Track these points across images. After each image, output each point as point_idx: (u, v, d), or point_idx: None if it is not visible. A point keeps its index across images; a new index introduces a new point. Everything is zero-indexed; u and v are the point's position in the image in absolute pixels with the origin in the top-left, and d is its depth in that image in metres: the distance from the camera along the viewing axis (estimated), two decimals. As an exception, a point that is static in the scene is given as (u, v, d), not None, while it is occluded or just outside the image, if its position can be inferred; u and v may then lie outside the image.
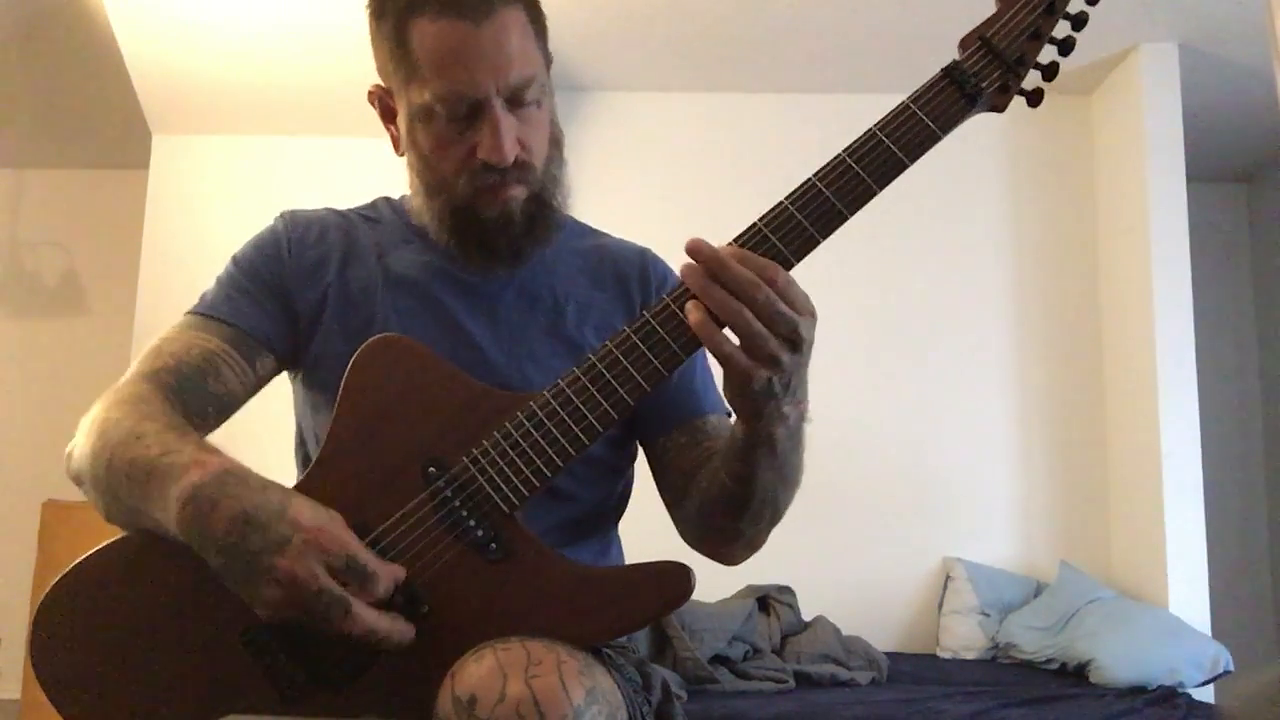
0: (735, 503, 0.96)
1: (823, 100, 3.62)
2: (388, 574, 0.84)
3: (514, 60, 0.98)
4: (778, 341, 0.82)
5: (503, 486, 0.89)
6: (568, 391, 0.89)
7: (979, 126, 3.59)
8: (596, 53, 3.53)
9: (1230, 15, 3.20)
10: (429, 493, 0.90)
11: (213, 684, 0.89)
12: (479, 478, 0.89)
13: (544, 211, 1.05)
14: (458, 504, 0.89)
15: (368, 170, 3.85)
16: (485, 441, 0.90)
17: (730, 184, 3.58)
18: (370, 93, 1.09)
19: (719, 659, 2.73)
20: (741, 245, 0.87)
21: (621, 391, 0.88)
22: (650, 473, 1.12)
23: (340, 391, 0.95)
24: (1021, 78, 0.93)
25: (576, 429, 0.89)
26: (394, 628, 0.84)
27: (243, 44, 3.46)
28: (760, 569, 3.31)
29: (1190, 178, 3.42)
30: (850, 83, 3.58)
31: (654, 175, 3.67)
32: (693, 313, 0.83)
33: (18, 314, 4.63)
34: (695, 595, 2.85)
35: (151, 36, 3.42)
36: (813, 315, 0.84)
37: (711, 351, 0.83)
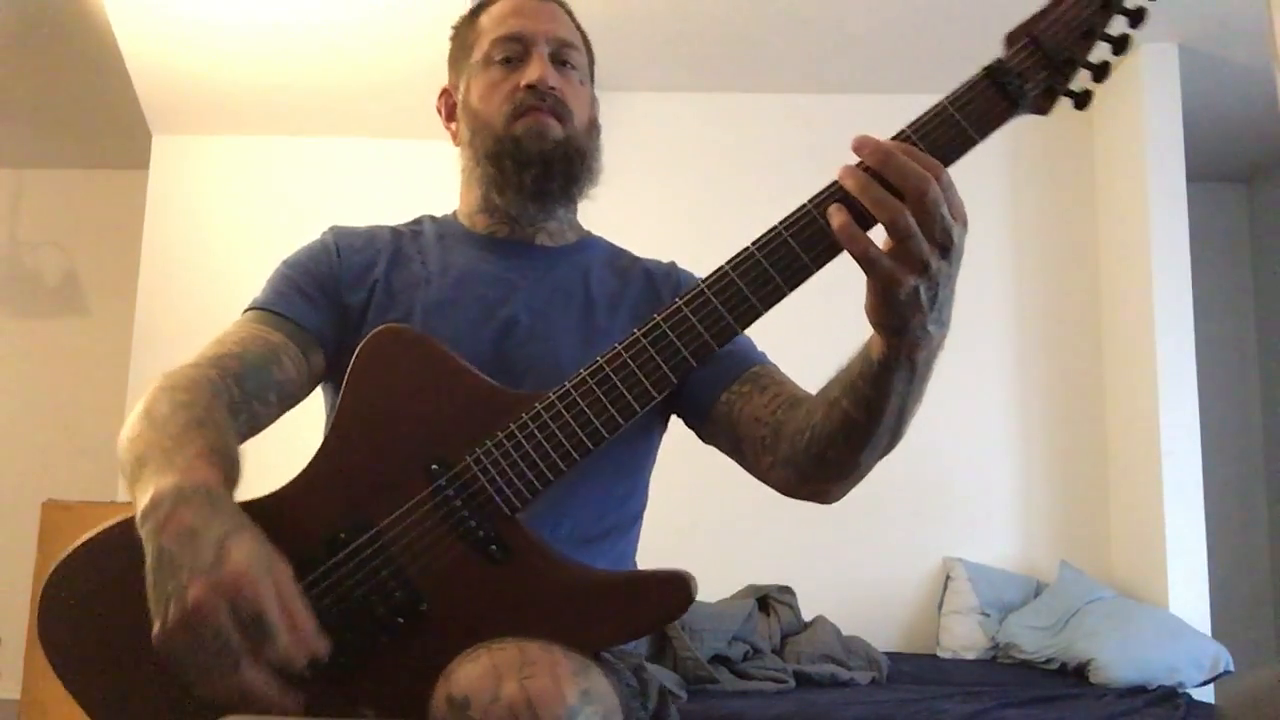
0: (858, 433, 0.91)
1: (823, 100, 3.61)
2: (293, 643, 0.77)
3: (561, 26, 1.17)
4: (930, 245, 0.78)
5: (505, 488, 0.88)
6: (574, 394, 0.89)
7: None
8: (597, 53, 3.52)
9: (1230, 15, 3.20)
10: (430, 491, 0.89)
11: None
12: (481, 478, 0.89)
13: (578, 157, 1.14)
14: (459, 504, 0.88)
15: (368, 170, 3.87)
16: (489, 441, 0.89)
17: (731, 184, 3.58)
18: (440, 95, 1.25)
19: (719, 659, 2.73)
20: (768, 243, 0.86)
21: (629, 396, 0.88)
22: (712, 443, 1.10)
23: (345, 382, 0.95)
24: (1069, 79, 0.86)
25: (582, 433, 0.88)
26: (278, 698, 0.77)
27: (243, 44, 3.46)
28: (760, 569, 3.31)
29: (1190, 178, 3.42)
30: (850, 83, 3.58)
31: (655, 175, 3.67)
32: (836, 215, 0.80)
33: (18, 314, 4.63)
34: (695, 595, 2.80)
35: (151, 36, 3.42)
36: (965, 223, 0.80)
37: (857, 255, 0.79)
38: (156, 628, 0.78)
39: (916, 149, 0.81)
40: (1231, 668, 2.84)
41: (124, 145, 4.23)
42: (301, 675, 0.79)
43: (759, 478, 1.06)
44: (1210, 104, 3.61)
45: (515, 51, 1.14)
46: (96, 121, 4.21)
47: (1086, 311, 3.69)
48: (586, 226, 1.26)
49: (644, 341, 0.88)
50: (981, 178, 3.72)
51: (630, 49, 3.53)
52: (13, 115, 4.21)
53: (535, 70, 1.11)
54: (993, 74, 0.85)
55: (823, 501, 1.03)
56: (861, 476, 0.99)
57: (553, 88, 1.12)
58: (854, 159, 0.82)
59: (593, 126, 1.19)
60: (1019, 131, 3.71)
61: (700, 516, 3.43)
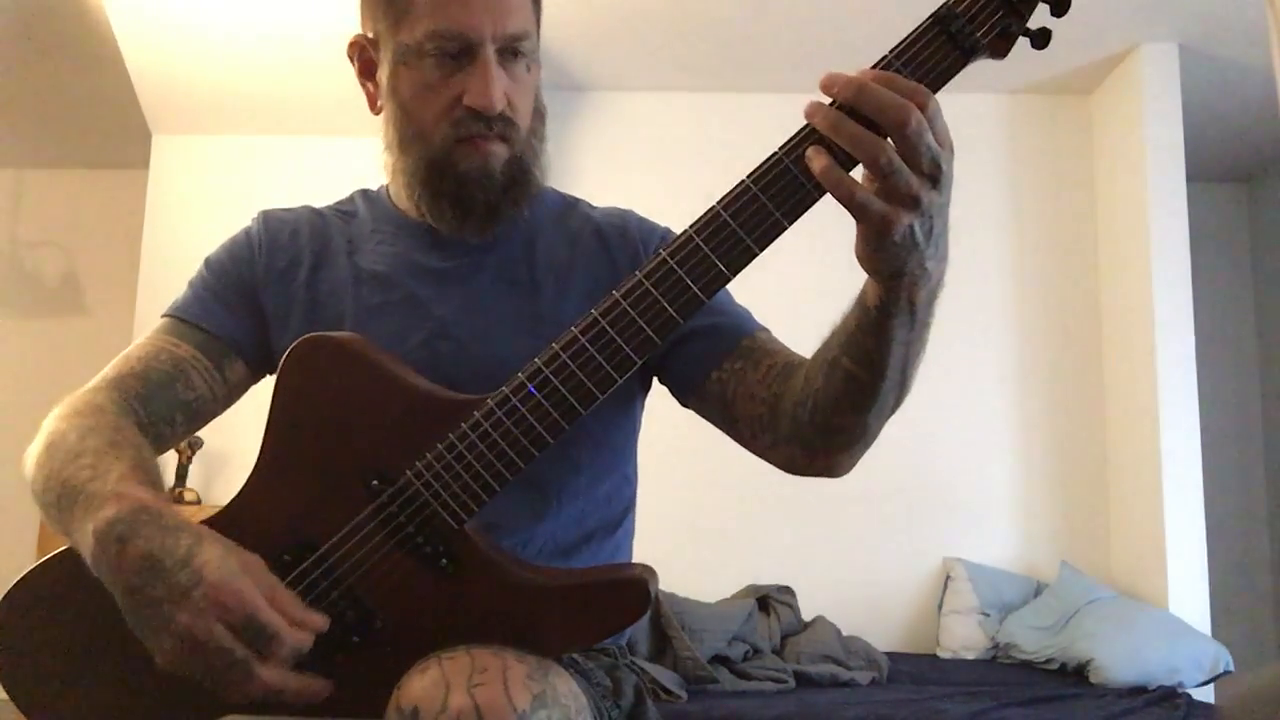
0: (864, 392, 0.85)
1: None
2: (296, 633, 0.78)
3: (513, 10, 0.97)
4: (919, 178, 0.72)
5: (450, 501, 0.85)
6: (512, 399, 0.85)
7: (979, 126, 3.56)
8: (596, 53, 3.53)
9: (1230, 15, 3.20)
10: (374, 508, 0.86)
11: (171, 690, 0.87)
12: (424, 492, 0.85)
13: (523, 176, 1.01)
14: (404, 519, 0.86)
15: (367, 170, 3.86)
16: (429, 453, 0.86)
17: (730, 184, 3.56)
18: (351, 44, 1.06)
19: (719, 659, 2.73)
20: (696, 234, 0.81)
21: (573, 399, 0.84)
22: (698, 414, 1.04)
23: (271, 399, 0.92)
24: (1026, 17, 0.78)
25: (525, 440, 0.84)
26: (303, 686, 0.79)
27: (243, 44, 3.46)
28: (760, 569, 3.31)
29: (1190, 178, 3.42)
30: (850, 83, 3.58)
31: (654, 175, 3.67)
32: (816, 159, 0.75)
33: (18, 314, 4.63)
34: (695, 595, 2.85)
35: (151, 37, 3.42)
36: (952, 149, 0.74)
37: (843, 199, 0.74)
38: (157, 658, 0.78)
39: (895, 76, 0.74)
40: (1231, 668, 2.84)
41: (124, 145, 4.23)
42: (311, 655, 0.80)
43: (758, 455, 0.99)
44: (1210, 104, 3.61)
45: (455, 49, 0.95)
46: (96, 121, 4.21)
47: (1086, 311, 3.68)
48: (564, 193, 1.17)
49: (583, 340, 0.83)
50: (982, 178, 3.72)
51: (630, 49, 3.53)
52: (13, 115, 4.21)
53: (482, 91, 0.95)
54: (942, 21, 0.77)
55: (831, 475, 0.96)
56: (870, 443, 0.92)
57: (501, 111, 0.97)
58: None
59: (536, 120, 1.03)
60: (1019, 132, 3.69)
61: (700, 516, 3.43)
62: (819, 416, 0.90)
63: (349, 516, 0.87)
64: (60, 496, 0.86)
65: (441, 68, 0.96)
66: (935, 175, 0.73)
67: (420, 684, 0.76)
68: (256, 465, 0.91)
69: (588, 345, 0.83)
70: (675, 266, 0.82)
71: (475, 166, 0.98)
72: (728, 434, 1.02)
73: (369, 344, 0.92)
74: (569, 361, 0.84)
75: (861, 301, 0.82)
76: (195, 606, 0.75)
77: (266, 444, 0.91)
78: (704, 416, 1.04)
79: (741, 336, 1.01)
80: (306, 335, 0.91)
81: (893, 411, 0.89)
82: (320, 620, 0.81)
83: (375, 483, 0.87)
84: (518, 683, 0.76)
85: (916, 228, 0.74)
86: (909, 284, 0.77)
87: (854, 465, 0.95)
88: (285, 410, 0.91)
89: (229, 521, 0.89)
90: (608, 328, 0.83)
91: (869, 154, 0.72)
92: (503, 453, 0.85)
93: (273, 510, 0.89)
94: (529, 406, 0.84)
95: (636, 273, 0.83)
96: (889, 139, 0.72)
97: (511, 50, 0.97)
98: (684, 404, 1.05)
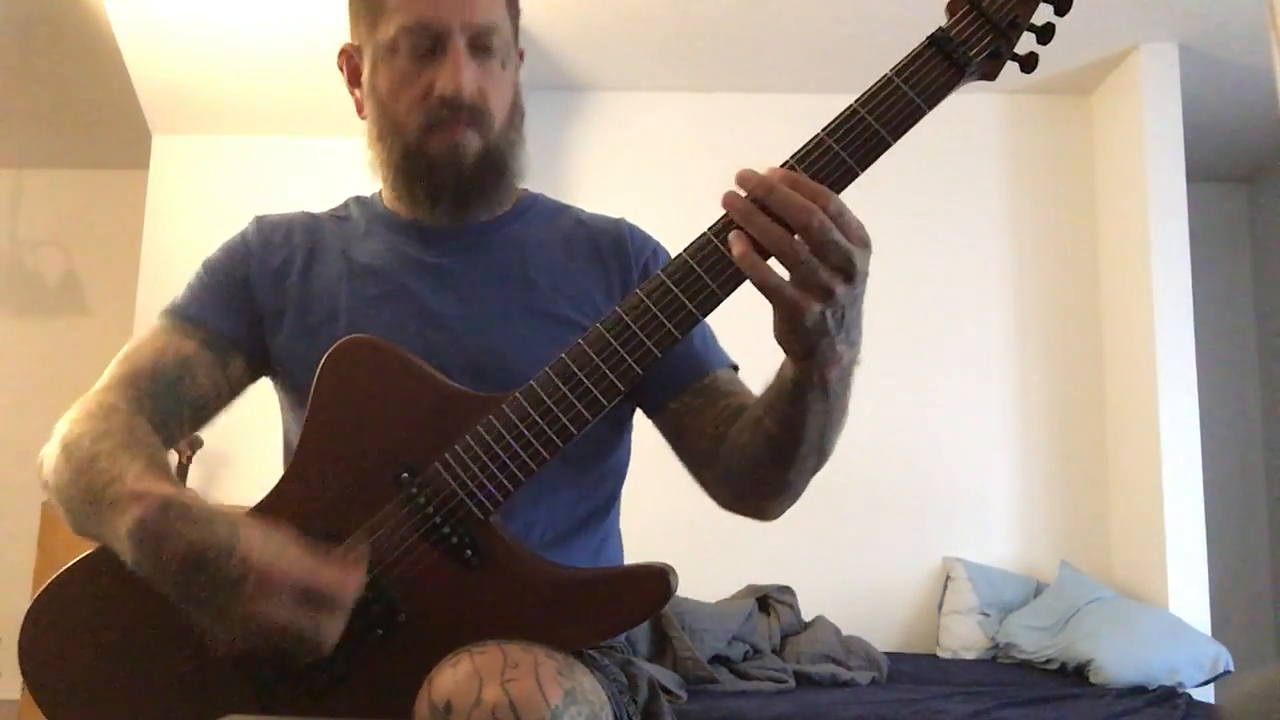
0: (782, 452, 0.91)
1: (822, 100, 3.58)
2: (346, 589, 0.81)
3: (479, 4, 1.01)
4: (829, 271, 0.78)
5: (476, 492, 0.87)
6: (540, 392, 0.87)
7: (979, 126, 3.56)
8: (596, 53, 3.53)
9: (1230, 15, 3.20)
10: (402, 499, 0.88)
11: (197, 691, 0.89)
12: (452, 483, 0.88)
13: (496, 168, 1.05)
14: (431, 510, 0.88)
15: (366, 171, 3.87)
16: (458, 446, 0.88)
17: (730, 184, 3.56)
18: (340, 53, 1.12)
19: (719, 659, 2.73)
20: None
21: (596, 391, 0.87)
22: (666, 442, 1.08)
23: (310, 396, 0.94)
24: (1014, 42, 0.86)
25: (550, 431, 0.87)
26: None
27: (243, 45, 3.46)
28: (760, 569, 3.31)
29: (1190, 178, 3.42)
30: (849, 83, 3.56)
31: (654, 175, 3.67)
32: (736, 244, 0.79)
33: (18, 314, 4.63)
34: (695, 595, 2.85)
35: (152, 37, 3.42)
36: (866, 246, 0.79)
37: (757, 284, 0.79)
38: (219, 646, 0.82)
39: (801, 176, 0.80)
40: (1231, 668, 2.84)
41: (124, 145, 4.23)
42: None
43: (700, 487, 1.06)
44: (1210, 104, 3.61)
45: (426, 45, 1.01)
46: (96, 121, 4.21)
47: (1086, 312, 3.68)
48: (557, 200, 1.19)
49: (608, 336, 0.87)
50: (982, 178, 3.72)
51: (630, 49, 3.53)
52: (13, 115, 4.21)
53: (451, 78, 0.99)
54: (937, 42, 0.85)
55: (761, 519, 1.02)
56: (796, 496, 0.98)
57: (470, 99, 1.01)
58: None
59: (514, 115, 1.07)
60: (1019, 132, 3.70)
61: (700, 516, 3.41)
62: (745, 467, 0.96)
63: (377, 509, 0.89)
64: (84, 502, 0.87)
65: (414, 62, 1.01)
66: (846, 269, 0.78)
67: (453, 677, 0.76)
68: (293, 461, 0.94)
69: (612, 341, 0.87)
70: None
71: (445, 152, 1.02)
72: (677, 457, 1.07)
73: (401, 347, 0.95)
74: (594, 356, 0.87)
75: (781, 372, 0.88)
76: (249, 595, 0.77)
77: (303, 441, 0.94)
78: (662, 435, 1.09)
79: (705, 373, 1.06)
80: (347, 336, 0.95)
81: (814, 471, 0.95)
82: (360, 572, 0.83)
83: (404, 475, 0.89)
84: (550, 678, 0.77)
85: (828, 315, 0.79)
86: (820, 364, 0.83)
87: (782, 513, 1.01)
88: (322, 407, 0.94)
89: (263, 515, 0.90)
90: (631, 324, 0.86)
91: (776, 246, 0.78)
92: (528, 443, 0.87)
93: (305, 504, 0.90)
94: (555, 399, 0.87)
95: (659, 273, 0.87)
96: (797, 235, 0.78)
97: (482, 46, 1.02)
98: (649, 418, 1.10)
